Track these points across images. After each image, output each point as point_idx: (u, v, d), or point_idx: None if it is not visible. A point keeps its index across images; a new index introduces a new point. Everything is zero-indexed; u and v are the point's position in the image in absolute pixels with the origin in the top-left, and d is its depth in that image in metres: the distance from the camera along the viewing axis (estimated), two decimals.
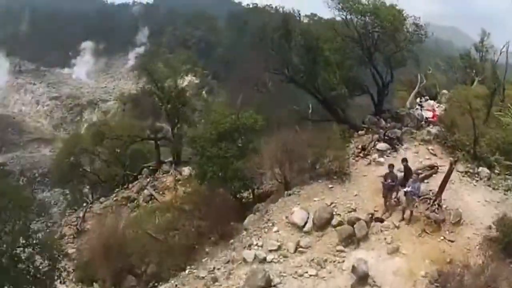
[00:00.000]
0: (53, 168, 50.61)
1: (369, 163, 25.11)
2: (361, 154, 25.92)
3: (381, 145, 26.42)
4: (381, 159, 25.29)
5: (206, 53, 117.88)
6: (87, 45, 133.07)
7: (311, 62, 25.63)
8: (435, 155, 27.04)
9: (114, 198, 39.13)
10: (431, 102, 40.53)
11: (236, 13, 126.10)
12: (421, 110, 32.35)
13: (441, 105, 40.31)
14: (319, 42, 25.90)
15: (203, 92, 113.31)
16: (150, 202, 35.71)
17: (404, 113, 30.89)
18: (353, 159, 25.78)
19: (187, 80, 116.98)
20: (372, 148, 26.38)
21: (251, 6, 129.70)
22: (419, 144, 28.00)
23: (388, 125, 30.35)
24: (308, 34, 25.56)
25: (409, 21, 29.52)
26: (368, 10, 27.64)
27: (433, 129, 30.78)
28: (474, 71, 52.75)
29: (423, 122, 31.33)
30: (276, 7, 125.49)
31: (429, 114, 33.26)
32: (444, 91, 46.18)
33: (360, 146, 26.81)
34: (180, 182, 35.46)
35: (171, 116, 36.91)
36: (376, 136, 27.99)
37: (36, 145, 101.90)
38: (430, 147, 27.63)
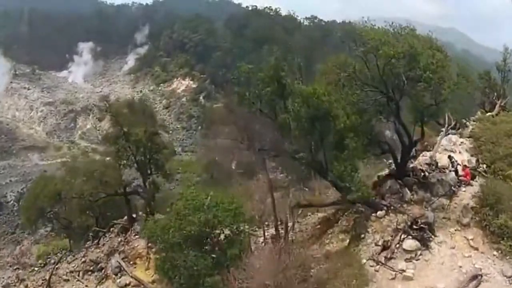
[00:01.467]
0: (21, 211, 43.25)
1: (394, 278, 17.32)
2: (382, 259, 18.10)
3: (409, 244, 18.60)
4: (410, 271, 17.51)
5: (204, 56, 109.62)
6: (85, 47, 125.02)
7: (318, 140, 17.32)
8: (476, 249, 19.44)
9: (82, 259, 31.78)
10: (453, 138, 32.65)
11: (235, 15, 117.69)
12: (455, 171, 24.35)
13: (464, 141, 32.38)
14: (330, 107, 17.35)
15: (201, 97, 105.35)
16: (119, 274, 28.14)
17: (434, 180, 22.95)
18: (371, 265, 17.99)
19: (184, 85, 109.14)
20: (397, 247, 18.59)
21: (250, 8, 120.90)
22: (455, 230, 20.30)
23: (414, 196, 22.54)
24: (312, 95, 17.03)
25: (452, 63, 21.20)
26: (402, 51, 19.13)
27: (468, 193, 23.23)
28: (495, 94, 44.59)
29: (455, 188, 23.58)
30: (276, 9, 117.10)
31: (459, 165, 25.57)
32: (465, 121, 38.18)
33: (380, 243, 18.99)
34: (153, 249, 27.75)
35: (142, 166, 28.90)
36: (401, 217, 20.30)
37: (28, 153, 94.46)
38: (469, 236, 20.01)
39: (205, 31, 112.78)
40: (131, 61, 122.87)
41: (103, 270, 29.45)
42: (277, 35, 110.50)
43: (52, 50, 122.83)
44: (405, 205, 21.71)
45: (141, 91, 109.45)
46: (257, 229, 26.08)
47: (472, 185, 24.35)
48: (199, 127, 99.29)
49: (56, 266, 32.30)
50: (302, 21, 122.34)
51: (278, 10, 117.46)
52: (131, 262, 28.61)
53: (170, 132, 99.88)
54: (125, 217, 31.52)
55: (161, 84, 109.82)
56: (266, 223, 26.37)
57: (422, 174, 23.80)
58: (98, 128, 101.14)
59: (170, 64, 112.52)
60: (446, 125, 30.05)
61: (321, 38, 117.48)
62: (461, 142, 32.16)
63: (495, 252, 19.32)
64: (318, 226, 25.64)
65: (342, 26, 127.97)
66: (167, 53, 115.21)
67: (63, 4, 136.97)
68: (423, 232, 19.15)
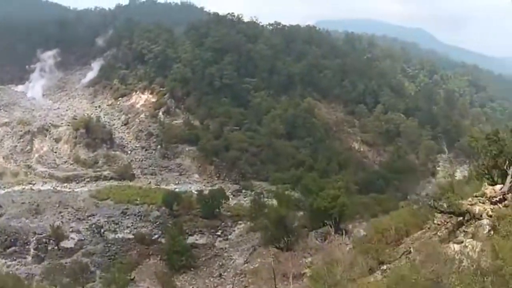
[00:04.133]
0: None
1: None
2: None
3: None
4: None
5: (163, 68, 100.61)
6: (45, 56, 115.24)
7: None
8: None
9: None
10: None
11: (196, 24, 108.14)
12: None
13: None
14: None
15: (160, 113, 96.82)
16: None
17: None
18: None
19: (143, 99, 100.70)
20: None
21: (212, 15, 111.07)
22: None
23: None
24: None
25: None
26: None
27: None
28: (507, 161, 23.44)
29: None
30: (238, 15, 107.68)
31: None
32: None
33: None
34: None
35: None
36: None
37: None
38: None
39: (165, 42, 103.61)
40: (94, 69, 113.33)
41: None
42: (239, 43, 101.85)
43: (11, 61, 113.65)
44: None
45: (99, 106, 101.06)
46: None
47: None
48: (158, 146, 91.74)
49: None
50: (265, 27, 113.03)
51: (240, 16, 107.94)
52: None
53: (129, 152, 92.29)
54: None
55: (120, 98, 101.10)
56: None
57: None
58: (55, 151, 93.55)
59: (129, 76, 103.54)
60: None
61: (285, 44, 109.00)
62: None
63: None
64: None
65: (306, 30, 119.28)
66: (126, 65, 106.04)
67: (23, 11, 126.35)
68: None
